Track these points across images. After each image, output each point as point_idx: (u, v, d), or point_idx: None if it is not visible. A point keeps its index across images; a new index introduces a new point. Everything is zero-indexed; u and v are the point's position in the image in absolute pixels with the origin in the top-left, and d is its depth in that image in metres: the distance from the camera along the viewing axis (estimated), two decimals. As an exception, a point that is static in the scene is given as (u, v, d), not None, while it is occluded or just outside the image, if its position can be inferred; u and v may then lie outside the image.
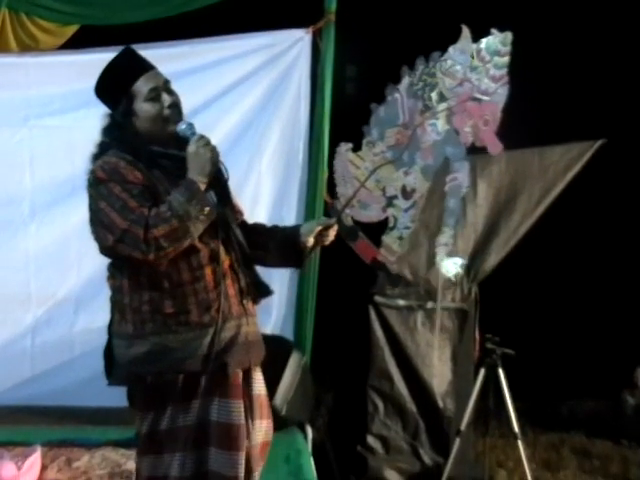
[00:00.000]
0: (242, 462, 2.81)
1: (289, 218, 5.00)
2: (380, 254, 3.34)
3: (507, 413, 4.40)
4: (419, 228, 4.76)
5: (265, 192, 4.98)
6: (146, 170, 2.79)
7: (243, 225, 3.09)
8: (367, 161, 3.43)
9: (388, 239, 3.35)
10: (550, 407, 6.93)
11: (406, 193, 3.33)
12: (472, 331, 5.00)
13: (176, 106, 2.92)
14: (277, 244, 3.09)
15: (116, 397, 4.85)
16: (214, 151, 2.81)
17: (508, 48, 3.27)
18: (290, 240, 3.07)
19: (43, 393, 4.93)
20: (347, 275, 5.07)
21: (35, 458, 4.00)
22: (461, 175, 3.31)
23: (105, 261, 4.89)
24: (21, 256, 5.05)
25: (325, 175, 4.76)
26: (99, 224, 2.75)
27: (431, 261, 4.90)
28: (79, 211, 4.87)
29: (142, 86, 2.88)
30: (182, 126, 2.87)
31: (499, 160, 4.95)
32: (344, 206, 3.38)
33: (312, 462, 4.26)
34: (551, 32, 7.10)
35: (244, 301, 2.90)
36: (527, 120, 6.35)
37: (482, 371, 4.39)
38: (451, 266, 3.44)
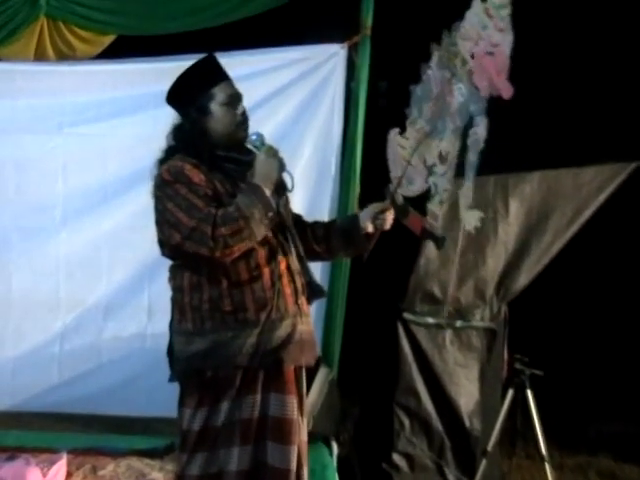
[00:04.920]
0: (295, 456, 2.93)
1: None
2: (427, 222, 3.36)
3: (535, 435, 4.35)
4: (449, 245, 4.74)
5: (297, 204, 4.92)
6: (208, 172, 2.93)
7: (302, 222, 3.32)
8: (411, 139, 3.46)
9: (431, 205, 3.39)
10: (577, 428, 6.86)
11: (442, 158, 3.36)
12: (501, 351, 4.96)
13: (246, 116, 3.09)
14: (339, 232, 3.28)
15: (142, 406, 4.96)
16: (281, 161, 2.97)
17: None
18: (350, 226, 3.26)
19: (70, 400, 4.95)
20: (376, 290, 5.05)
21: (61, 465, 4.02)
22: (480, 129, 3.29)
23: (134, 270, 5.08)
24: (51, 262, 5.08)
25: (357, 190, 4.76)
26: (165, 223, 2.86)
27: (461, 279, 4.88)
28: (110, 218, 5.05)
29: (221, 91, 3.03)
30: (253, 137, 3.04)
31: (531, 179, 4.93)
32: (396, 187, 3.39)
33: (337, 477, 4.24)
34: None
35: (299, 301, 3.02)
36: (562, 140, 6.33)
37: (510, 391, 4.35)
38: (471, 218, 3.45)
